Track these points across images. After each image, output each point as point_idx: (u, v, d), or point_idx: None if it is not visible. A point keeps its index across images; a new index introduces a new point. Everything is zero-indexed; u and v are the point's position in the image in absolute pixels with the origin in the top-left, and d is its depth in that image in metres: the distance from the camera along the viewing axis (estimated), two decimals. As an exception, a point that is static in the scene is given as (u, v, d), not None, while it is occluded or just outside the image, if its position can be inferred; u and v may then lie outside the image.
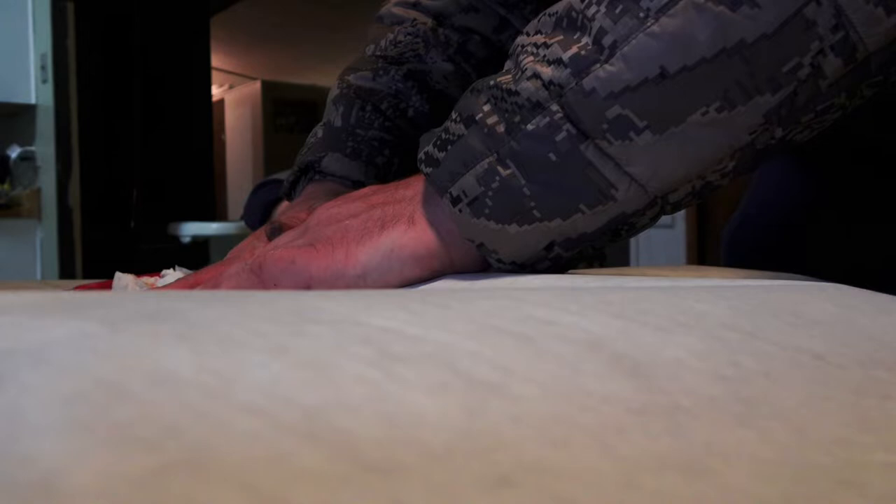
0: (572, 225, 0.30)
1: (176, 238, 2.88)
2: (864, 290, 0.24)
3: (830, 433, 0.13)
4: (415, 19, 0.61)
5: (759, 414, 0.14)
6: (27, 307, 0.17)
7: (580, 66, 0.28)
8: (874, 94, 0.29)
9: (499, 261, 0.32)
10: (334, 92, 0.61)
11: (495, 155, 0.30)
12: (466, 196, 0.31)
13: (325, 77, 5.01)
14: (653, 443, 0.12)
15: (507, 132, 0.30)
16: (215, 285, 0.37)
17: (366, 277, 0.33)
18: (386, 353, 0.14)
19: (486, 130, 0.30)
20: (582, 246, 0.32)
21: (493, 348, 0.15)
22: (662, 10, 0.27)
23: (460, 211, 0.31)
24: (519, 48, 0.32)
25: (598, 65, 0.28)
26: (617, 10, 0.28)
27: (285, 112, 4.77)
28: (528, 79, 0.30)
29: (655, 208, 0.31)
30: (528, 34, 0.32)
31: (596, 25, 0.28)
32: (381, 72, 0.60)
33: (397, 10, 0.62)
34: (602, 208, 0.30)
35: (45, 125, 2.76)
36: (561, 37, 0.29)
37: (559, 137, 0.29)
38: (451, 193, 0.32)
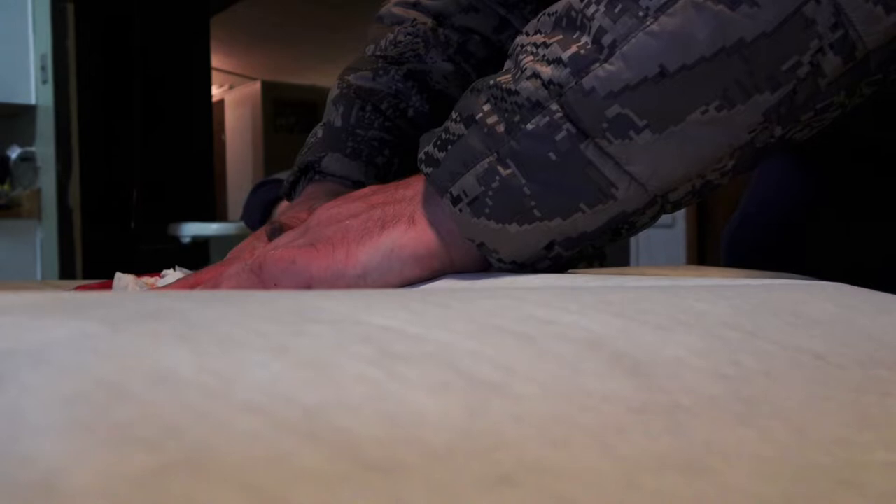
0: (572, 224, 0.30)
1: (176, 238, 2.88)
2: (864, 290, 0.24)
3: (830, 432, 0.13)
4: (415, 19, 0.61)
5: (759, 413, 0.14)
6: (27, 307, 0.17)
7: (580, 66, 0.28)
8: (873, 93, 0.29)
9: (499, 260, 0.32)
10: (334, 92, 0.61)
11: (495, 154, 0.30)
12: (467, 196, 0.31)
13: (325, 77, 5.01)
14: (653, 442, 0.12)
15: (507, 132, 0.30)
16: (215, 285, 0.37)
17: (366, 277, 0.33)
18: (387, 353, 0.14)
19: (486, 130, 0.30)
20: (582, 245, 0.32)
21: (493, 348, 0.15)
22: (662, 9, 0.27)
23: (460, 211, 0.31)
24: (518, 48, 0.32)
25: (597, 64, 0.28)
26: (616, 10, 0.28)
27: (285, 112, 4.77)
28: (528, 78, 0.30)
29: (655, 207, 0.31)
30: (527, 34, 0.32)
31: (595, 25, 0.28)
32: (381, 72, 0.60)
33: (397, 10, 0.62)
34: (602, 207, 0.30)
35: (46, 126, 2.76)
36: (560, 36, 0.29)
37: (559, 137, 0.29)
38: (451, 193, 0.32)
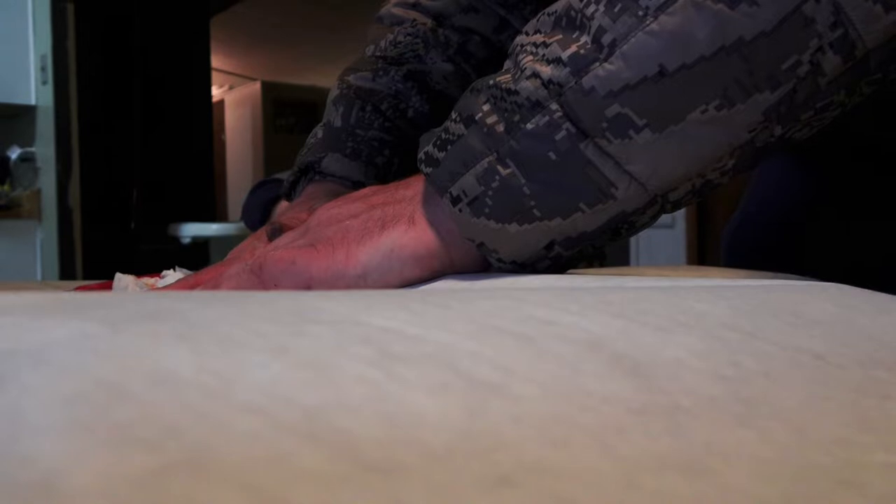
0: (572, 224, 0.30)
1: (176, 239, 2.88)
2: (864, 290, 0.24)
3: (830, 433, 0.13)
4: (414, 20, 0.61)
5: (759, 414, 0.14)
6: (28, 308, 0.17)
7: (579, 65, 0.28)
8: (873, 92, 0.29)
9: (499, 260, 0.32)
10: (334, 92, 0.61)
11: (495, 154, 0.30)
12: (466, 196, 0.31)
13: (325, 78, 5.01)
14: (653, 443, 0.12)
15: (506, 131, 0.30)
16: (215, 286, 0.37)
17: (366, 278, 0.33)
18: (386, 353, 0.14)
19: (485, 130, 0.30)
20: (582, 245, 0.32)
21: (493, 348, 0.15)
22: (661, 9, 0.27)
23: (460, 210, 0.31)
24: (518, 47, 0.32)
25: (597, 63, 0.28)
26: (616, 9, 0.28)
27: (285, 113, 4.77)
28: (528, 78, 0.30)
29: (655, 207, 0.31)
30: (527, 33, 0.32)
31: (595, 24, 0.28)
32: (380, 72, 0.60)
33: (397, 11, 0.62)
34: (602, 207, 0.30)
35: (46, 126, 2.76)
36: (560, 36, 0.29)
37: (559, 136, 0.29)
38: (451, 193, 0.32)
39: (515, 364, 0.14)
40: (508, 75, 0.31)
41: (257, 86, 4.79)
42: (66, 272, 2.73)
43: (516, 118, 0.30)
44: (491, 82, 0.31)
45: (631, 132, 0.28)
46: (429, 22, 0.61)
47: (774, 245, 0.59)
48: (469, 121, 0.31)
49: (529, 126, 0.29)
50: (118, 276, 0.44)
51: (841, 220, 0.54)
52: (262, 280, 0.35)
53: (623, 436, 0.12)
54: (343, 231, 0.34)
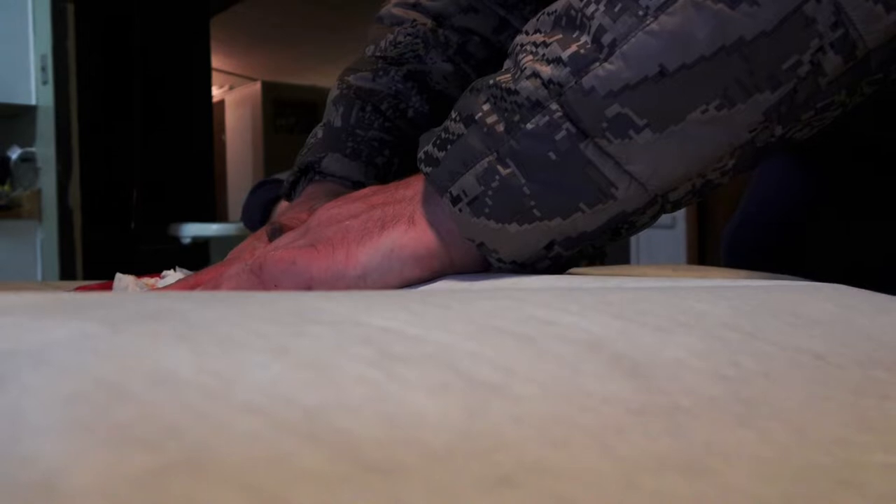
0: (572, 224, 0.30)
1: (176, 239, 2.88)
2: (863, 290, 0.24)
3: (830, 433, 0.13)
4: (414, 20, 0.61)
5: (759, 414, 0.14)
6: (28, 308, 0.17)
7: (579, 65, 0.28)
8: (874, 92, 0.29)
9: (499, 260, 0.32)
10: (334, 92, 0.61)
11: (495, 154, 0.30)
12: (466, 195, 0.31)
13: (326, 78, 5.01)
14: (652, 443, 0.12)
15: (506, 131, 0.30)
16: (216, 286, 0.37)
17: (366, 278, 0.33)
18: (386, 354, 0.14)
19: (485, 130, 0.30)
20: (582, 245, 0.32)
21: (493, 349, 0.15)
22: (661, 9, 0.27)
23: (460, 210, 0.31)
24: (518, 47, 0.32)
25: (597, 63, 0.28)
26: (616, 9, 0.28)
27: (285, 113, 4.77)
28: (528, 78, 0.30)
29: (655, 207, 0.31)
30: (527, 33, 0.32)
31: (595, 24, 0.28)
32: (380, 72, 0.60)
33: (397, 11, 0.62)
34: (602, 207, 0.30)
35: (46, 126, 2.76)
36: (560, 35, 0.29)
37: (559, 136, 0.29)
38: (450, 193, 0.32)
39: (515, 364, 0.14)
40: (508, 75, 0.31)
41: (257, 86, 4.79)
42: (66, 272, 2.73)
43: (516, 118, 0.30)
44: (491, 82, 0.31)
45: (631, 132, 0.28)
46: (429, 22, 0.61)
47: (775, 245, 0.59)
48: (469, 120, 0.31)
49: (529, 126, 0.29)
50: (118, 276, 0.44)
51: (841, 221, 0.54)
52: (262, 280, 0.35)
53: (623, 436, 0.12)
54: (343, 231, 0.34)
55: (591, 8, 0.29)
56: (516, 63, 0.31)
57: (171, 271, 0.46)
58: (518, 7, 0.60)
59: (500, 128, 0.30)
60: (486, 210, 0.31)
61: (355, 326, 0.16)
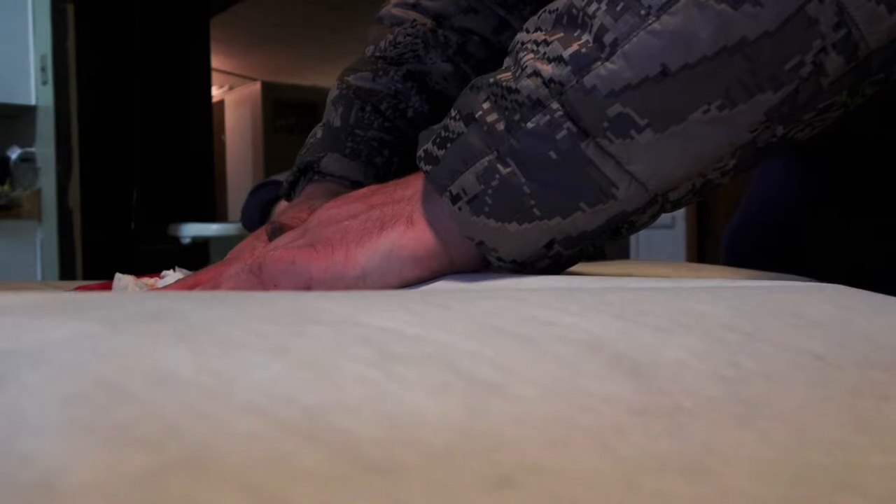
0: (572, 223, 0.30)
1: (176, 239, 2.88)
2: (862, 291, 0.24)
3: (830, 434, 0.13)
4: (414, 20, 0.61)
5: (759, 415, 0.14)
6: (28, 308, 0.17)
7: (581, 64, 0.28)
8: (876, 92, 0.29)
9: (499, 259, 0.32)
10: (334, 93, 0.61)
11: (495, 153, 0.30)
12: (466, 194, 0.31)
13: (325, 78, 5.01)
14: (653, 444, 0.12)
15: (506, 130, 0.30)
16: (215, 286, 0.37)
17: (365, 278, 0.33)
18: (386, 354, 0.14)
19: (485, 128, 0.30)
20: (582, 244, 0.32)
21: (493, 349, 0.15)
22: (664, 8, 0.27)
23: (460, 209, 0.31)
24: (519, 45, 0.32)
25: (598, 63, 0.28)
26: (618, 8, 0.28)
27: (285, 113, 4.77)
28: (529, 76, 0.29)
29: (655, 206, 0.31)
30: (527, 31, 0.32)
31: (597, 23, 0.28)
32: (380, 72, 0.60)
33: (397, 12, 0.62)
34: (602, 207, 0.30)
35: (46, 126, 2.76)
36: (561, 34, 0.29)
37: (559, 136, 0.29)
38: (450, 191, 0.32)
39: (516, 364, 0.14)
40: (509, 73, 0.31)
41: (257, 86, 4.79)
42: (66, 272, 2.73)
43: (517, 117, 0.30)
44: (491, 80, 0.31)
45: (632, 132, 0.28)
46: (428, 22, 0.61)
47: (775, 245, 0.59)
48: (469, 119, 0.31)
49: (530, 125, 0.29)
50: (118, 276, 0.44)
51: (842, 221, 0.54)
52: (261, 280, 0.35)
53: (623, 436, 0.12)
54: (342, 232, 0.34)
55: (593, 7, 0.28)
56: (517, 61, 0.31)
57: (171, 271, 0.46)
58: (518, 7, 0.60)
59: (501, 126, 0.30)
60: (486, 209, 0.31)
61: (355, 326, 0.16)
